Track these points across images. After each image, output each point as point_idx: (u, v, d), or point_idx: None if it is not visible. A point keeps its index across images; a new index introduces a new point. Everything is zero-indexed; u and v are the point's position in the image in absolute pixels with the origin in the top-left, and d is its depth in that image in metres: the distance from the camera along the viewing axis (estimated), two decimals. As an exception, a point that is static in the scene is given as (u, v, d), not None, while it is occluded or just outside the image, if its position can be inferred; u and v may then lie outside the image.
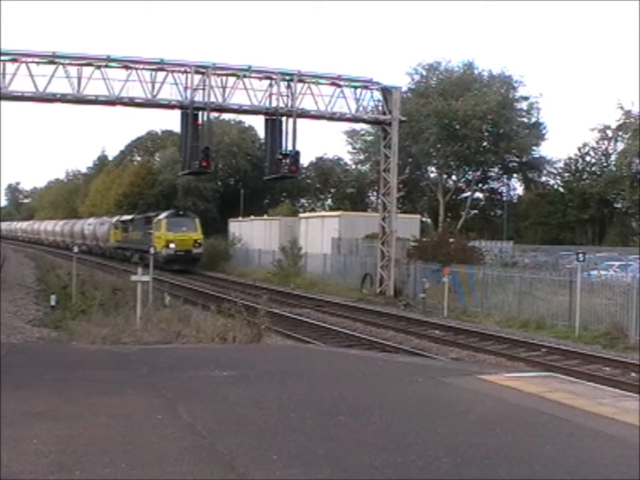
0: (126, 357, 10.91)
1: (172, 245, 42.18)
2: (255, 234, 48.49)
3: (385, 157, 29.77)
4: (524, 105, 57.81)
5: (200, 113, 27.09)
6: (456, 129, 54.17)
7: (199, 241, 43.89)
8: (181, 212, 46.53)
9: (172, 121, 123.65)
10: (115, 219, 55.82)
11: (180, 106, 27.03)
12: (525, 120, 57.81)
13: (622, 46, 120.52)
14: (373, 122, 34.32)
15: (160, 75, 26.63)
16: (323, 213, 52.12)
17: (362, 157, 67.88)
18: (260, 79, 27.91)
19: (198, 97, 26.83)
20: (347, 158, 73.13)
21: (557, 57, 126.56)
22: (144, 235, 45.84)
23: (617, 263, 31.61)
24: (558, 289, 21.04)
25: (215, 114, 39.36)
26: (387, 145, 29.58)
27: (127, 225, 51.83)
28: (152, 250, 26.94)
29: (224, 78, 27.58)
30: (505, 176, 62.42)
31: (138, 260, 41.83)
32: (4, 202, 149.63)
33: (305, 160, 68.20)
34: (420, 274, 27.16)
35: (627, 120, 55.63)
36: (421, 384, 8.60)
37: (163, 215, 45.38)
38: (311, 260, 37.37)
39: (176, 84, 26.92)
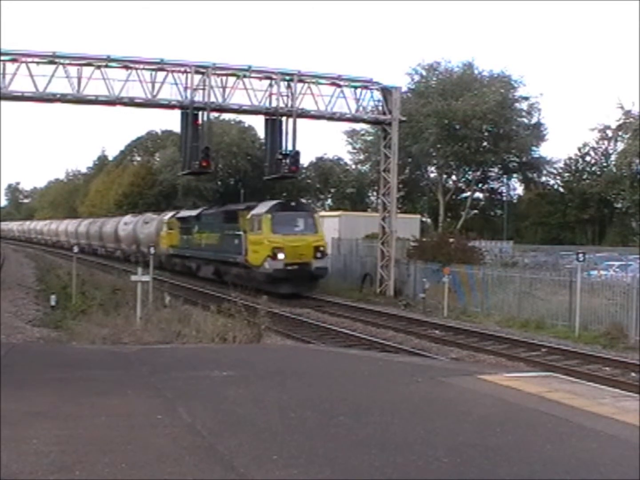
0: (126, 357, 10.92)
1: (280, 256, 26.57)
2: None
3: (385, 157, 29.76)
4: (524, 105, 57.82)
5: (200, 113, 27.09)
6: (456, 129, 54.17)
7: (321, 248, 27.88)
8: (293, 203, 30.63)
9: (172, 121, 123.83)
10: (168, 215, 42.38)
11: (180, 106, 27.03)
12: (525, 120, 57.80)
13: (622, 46, 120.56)
14: (373, 122, 34.31)
15: (160, 75, 26.63)
16: (323, 213, 52.09)
17: (362, 157, 67.90)
18: (260, 79, 27.91)
19: (198, 97, 26.82)
20: (347, 158, 73.25)
21: (557, 57, 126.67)
22: (226, 238, 31.00)
23: (617, 263, 31.60)
24: (558, 289, 21.03)
25: (215, 114, 39.36)
26: (387, 145, 29.58)
27: (190, 224, 37.17)
28: (151, 249, 26.49)
29: (224, 78, 27.58)
30: (505, 176, 62.42)
31: (216, 277, 32.27)
32: (4, 202, 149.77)
33: (305, 160, 68.34)
34: (420, 274, 27.16)
35: (627, 120, 55.63)
36: (421, 384, 8.59)
37: (262, 207, 29.16)
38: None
39: (176, 84, 26.92)
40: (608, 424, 6.52)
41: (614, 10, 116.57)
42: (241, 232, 29.17)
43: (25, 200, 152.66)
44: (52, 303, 22.13)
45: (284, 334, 18.26)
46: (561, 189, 63.87)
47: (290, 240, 27.11)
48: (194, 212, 38.32)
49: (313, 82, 28.46)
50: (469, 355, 16.05)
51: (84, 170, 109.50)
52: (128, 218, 51.39)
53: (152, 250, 26.19)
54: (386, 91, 29.39)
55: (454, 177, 62.03)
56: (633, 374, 13.71)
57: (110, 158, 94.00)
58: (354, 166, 72.43)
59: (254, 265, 27.60)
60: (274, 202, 30.79)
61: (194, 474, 4.85)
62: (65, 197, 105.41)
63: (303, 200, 37.10)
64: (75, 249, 29.22)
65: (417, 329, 20.00)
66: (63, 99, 25.99)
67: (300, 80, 28.16)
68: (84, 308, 20.68)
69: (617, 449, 5.76)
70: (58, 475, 4.76)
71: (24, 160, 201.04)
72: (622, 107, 56.02)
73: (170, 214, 42.31)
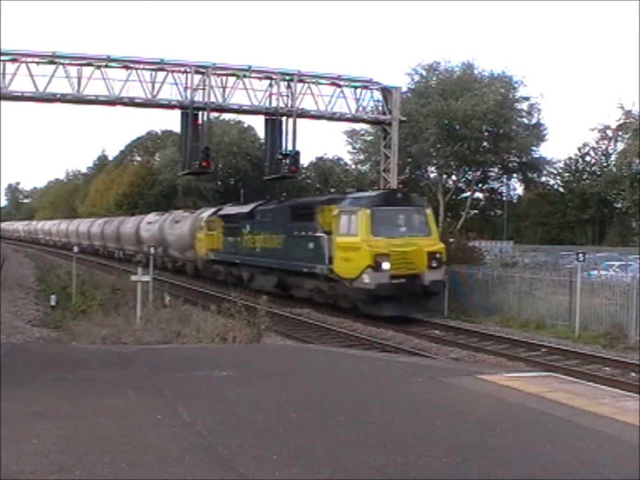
0: (126, 357, 10.91)
1: (385, 266, 20.11)
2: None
3: (385, 157, 29.76)
4: (524, 105, 57.79)
5: (200, 113, 27.09)
6: (456, 129, 54.14)
7: (438, 255, 21.15)
8: (399, 195, 22.77)
9: (172, 121, 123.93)
10: (207, 212, 34.93)
11: (180, 106, 27.03)
12: (525, 120, 57.79)
13: (622, 46, 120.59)
14: (373, 122, 34.28)
15: (160, 75, 26.63)
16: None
17: (362, 157, 67.87)
18: (260, 79, 27.91)
19: (198, 97, 26.81)
20: (347, 158, 73.25)
21: (557, 57, 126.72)
22: (297, 241, 24.10)
23: (617, 263, 31.61)
24: (558, 289, 21.02)
25: (215, 114, 39.36)
26: (387, 145, 29.57)
27: (240, 223, 29.74)
28: (151, 249, 26.42)
29: (224, 78, 27.58)
30: (505, 176, 62.43)
31: (279, 290, 25.71)
32: (4, 202, 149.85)
33: (305, 160, 68.43)
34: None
35: (627, 120, 55.64)
36: (421, 384, 8.59)
37: (356, 199, 22.43)
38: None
39: (176, 84, 26.93)
40: (608, 424, 6.52)
41: (614, 10, 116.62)
42: (321, 234, 22.24)
43: (25, 200, 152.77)
44: (52, 303, 22.18)
45: (284, 334, 18.26)
46: (561, 189, 63.90)
47: (397, 245, 20.42)
48: (244, 208, 30.83)
49: (313, 82, 28.46)
50: (469, 355, 16.04)
51: (84, 170, 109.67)
52: (152, 217, 45.25)
53: (152, 250, 26.20)
54: (386, 91, 29.39)
55: (454, 177, 62.01)
56: (633, 374, 13.71)
57: (110, 158, 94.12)
58: (354, 166, 72.45)
59: (345, 277, 20.84)
60: (373, 193, 24.08)
61: (194, 474, 4.85)
62: (65, 197, 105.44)
63: (410, 193, 25.57)
64: (75, 249, 29.24)
65: (417, 329, 19.98)
66: (63, 99, 25.99)
67: (300, 80, 28.16)
68: (84, 308, 20.72)
69: (617, 449, 5.76)
70: (58, 475, 4.76)
71: (24, 160, 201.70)
72: (622, 107, 56.08)
73: (209, 210, 35.18)
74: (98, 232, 56.42)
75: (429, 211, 22.31)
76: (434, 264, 20.86)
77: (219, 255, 31.48)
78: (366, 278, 20.17)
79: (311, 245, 22.96)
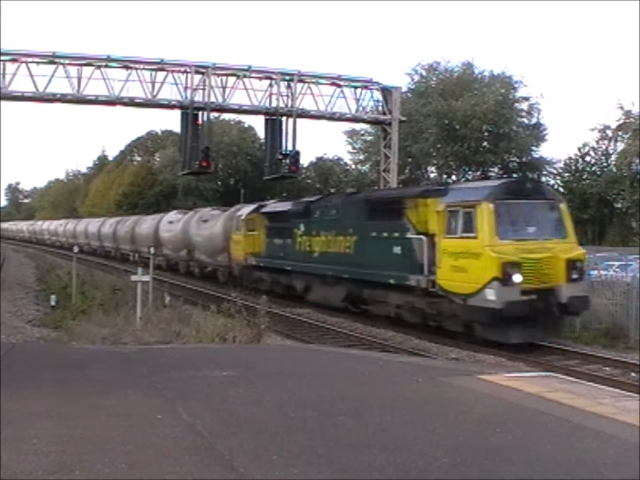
0: (126, 357, 10.91)
1: (516, 278, 15.28)
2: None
3: (385, 157, 29.78)
4: (524, 105, 57.83)
5: (200, 113, 27.13)
6: (456, 129, 54.16)
7: (578, 264, 16.55)
8: (528, 184, 18.63)
9: (172, 121, 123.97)
10: (245, 209, 29.61)
11: (180, 106, 27.07)
12: (525, 120, 57.81)
13: (622, 46, 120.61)
14: (373, 122, 34.34)
15: (160, 75, 26.71)
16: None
17: (362, 157, 67.90)
18: (260, 79, 27.97)
19: (198, 97, 26.87)
20: (347, 158, 73.21)
21: (557, 57, 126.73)
22: (378, 244, 19.25)
23: (617, 263, 31.55)
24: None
25: (215, 114, 39.37)
26: (387, 145, 29.59)
27: (291, 222, 24.66)
28: (151, 249, 26.31)
29: (224, 78, 27.64)
30: (505, 176, 62.40)
31: (350, 304, 21.40)
32: (4, 202, 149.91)
33: (305, 160, 68.37)
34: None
35: (627, 120, 55.58)
36: (421, 384, 8.59)
37: (468, 190, 17.68)
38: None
39: (176, 84, 27.01)
40: (608, 424, 6.52)
41: (614, 10, 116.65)
42: (414, 235, 17.55)
43: (25, 200, 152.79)
44: (52, 303, 22.18)
45: (284, 334, 18.25)
46: (561, 189, 63.82)
47: (529, 250, 15.72)
48: (297, 204, 25.67)
49: (313, 82, 28.50)
50: (468, 355, 16.02)
51: (84, 170, 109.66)
52: (173, 215, 40.52)
53: (151, 250, 26.17)
54: (386, 91, 29.42)
55: (454, 177, 62.04)
56: (633, 374, 13.69)
57: (110, 158, 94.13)
58: (354, 166, 72.43)
59: (455, 293, 16.21)
60: (494, 182, 20.33)
61: (194, 474, 4.85)
62: (65, 197, 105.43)
63: (540, 182, 21.41)
64: (76, 249, 29.18)
65: (417, 328, 19.94)
66: (63, 99, 26.04)
67: (300, 80, 28.20)
68: (83, 308, 20.72)
69: (617, 449, 5.76)
70: (58, 475, 4.76)
71: (24, 160, 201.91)
72: (622, 107, 55.99)
73: (247, 207, 30.05)
74: (110, 232, 52.00)
75: (563, 206, 17.14)
76: (574, 276, 16.09)
77: (263, 260, 26.67)
78: (491, 294, 15.34)
79: (398, 249, 18.24)
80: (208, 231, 32.90)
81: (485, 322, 15.90)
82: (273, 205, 28.33)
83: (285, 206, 26.76)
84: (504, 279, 15.19)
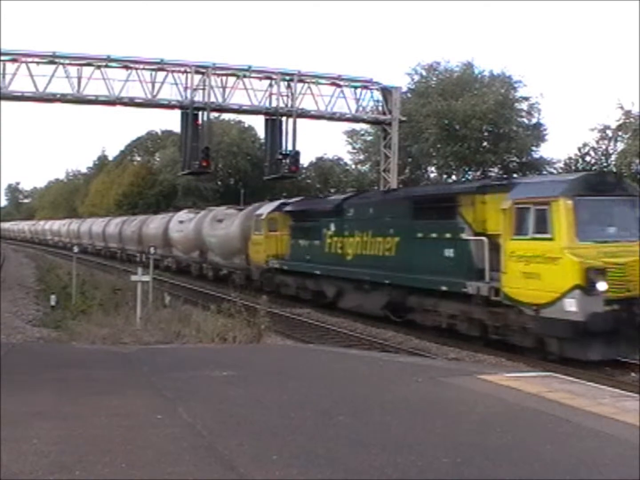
0: (126, 357, 10.92)
1: (600, 286, 12.94)
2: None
3: (385, 157, 29.80)
4: (524, 105, 57.81)
5: (200, 113, 27.14)
6: (456, 129, 54.16)
7: None
8: (611, 179, 15.60)
9: (172, 121, 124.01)
10: (266, 208, 27.54)
11: (180, 106, 27.08)
12: (525, 120, 57.82)
13: (622, 46, 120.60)
14: (373, 122, 34.35)
15: (160, 75, 26.73)
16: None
17: (362, 157, 67.90)
18: (260, 79, 27.99)
19: (198, 97, 26.87)
20: (347, 158, 73.19)
21: (557, 57, 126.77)
22: (427, 245, 17.35)
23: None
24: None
25: (215, 114, 39.37)
26: (387, 145, 29.61)
27: (320, 221, 22.66)
28: (152, 249, 26.22)
29: (224, 78, 27.66)
30: (505, 176, 62.37)
31: (389, 312, 19.23)
32: (4, 202, 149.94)
33: (305, 160, 68.35)
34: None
35: (627, 120, 55.56)
36: (421, 384, 8.59)
37: (537, 182, 16.05)
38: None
39: (176, 84, 27.02)
40: (608, 424, 6.52)
41: (614, 10, 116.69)
42: (471, 236, 15.64)
43: (25, 200, 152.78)
44: (52, 303, 22.17)
45: (284, 334, 18.24)
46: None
47: (611, 254, 13.68)
48: (327, 202, 23.87)
49: (313, 82, 28.52)
50: (469, 355, 16.02)
51: (84, 170, 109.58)
52: (184, 215, 38.33)
53: (152, 250, 26.14)
54: (386, 91, 29.43)
55: (454, 177, 62.05)
56: (633, 374, 13.67)
57: (110, 158, 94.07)
58: (354, 166, 72.43)
59: (526, 303, 14.18)
60: (571, 175, 19.01)
61: (194, 474, 4.85)
62: (65, 197, 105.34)
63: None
64: (76, 249, 29.14)
65: (417, 328, 19.95)
66: (63, 99, 26.05)
67: (300, 80, 28.22)
68: (83, 308, 20.72)
69: (617, 449, 5.76)
70: (58, 475, 4.76)
71: (24, 160, 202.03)
72: (622, 107, 55.98)
73: (268, 206, 27.84)
74: (115, 232, 49.99)
75: None
76: None
77: (287, 263, 24.64)
78: (571, 304, 13.34)
79: (451, 251, 16.36)
80: (223, 231, 31.14)
81: (564, 337, 13.70)
82: (298, 204, 26.15)
83: (313, 204, 25.16)
84: (587, 287, 13.11)
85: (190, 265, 35.79)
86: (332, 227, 21.93)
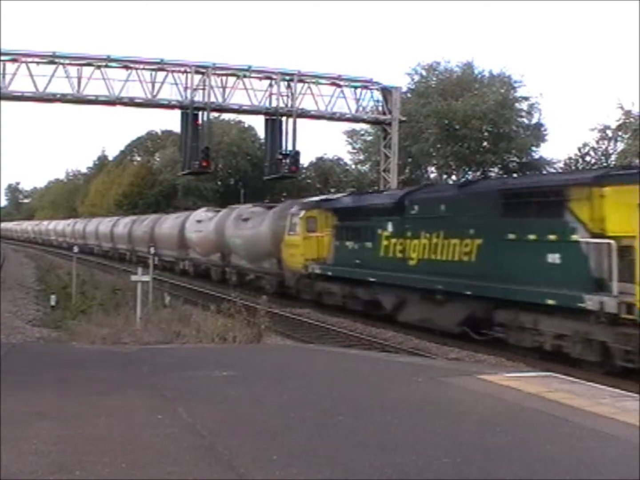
0: (126, 357, 10.91)
1: None
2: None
3: (385, 157, 29.81)
4: (524, 105, 57.81)
5: (200, 113, 27.16)
6: (456, 129, 54.16)
7: None
8: None
9: (172, 121, 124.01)
10: (304, 204, 24.72)
11: (180, 106, 27.10)
12: (525, 120, 57.82)
13: (622, 46, 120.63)
14: (373, 122, 34.36)
15: (160, 75, 26.75)
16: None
17: (362, 157, 67.89)
18: (260, 79, 28.02)
19: (198, 97, 26.88)
20: (347, 158, 73.19)
21: (557, 57, 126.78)
22: (523, 250, 13.96)
23: None
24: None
25: (215, 114, 39.37)
26: (387, 145, 29.61)
27: (373, 220, 19.71)
28: (151, 249, 26.15)
29: (224, 78, 27.69)
30: (505, 176, 62.36)
31: (468, 328, 16.06)
32: (4, 202, 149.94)
33: (305, 160, 68.34)
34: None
35: (627, 120, 55.58)
36: (421, 384, 8.59)
37: None
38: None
39: (176, 84, 27.05)
40: (608, 424, 6.52)
41: (614, 10, 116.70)
42: (590, 238, 12.50)
43: (25, 200, 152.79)
44: (52, 303, 22.18)
45: (284, 334, 18.25)
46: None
47: None
48: (384, 197, 21.14)
49: (313, 82, 28.54)
50: (469, 355, 16.02)
51: (84, 170, 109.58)
52: (202, 214, 34.80)
53: (152, 250, 26.13)
54: (386, 91, 29.45)
55: (454, 177, 62.03)
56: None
57: (110, 158, 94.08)
58: (353, 166, 72.42)
59: None
60: None
61: (194, 474, 4.85)
62: (65, 197, 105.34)
63: None
64: (76, 249, 29.15)
65: (416, 328, 19.93)
66: (63, 99, 26.07)
67: (300, 80, 28.23)
68: (83, 308, 20.73)
69: (617, 449, 5.76)
70: (58, 475, 4.76)
71: (24, 160, 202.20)
72: (622, 107, 55.99)
73: (305, 203, 24.90)
74: (124, 233, 46.63)
75: None
76: None
77: (331, 268, 21.56)
78: None
79: (557, 257, 13.23)
80: (250, 232, 27.70)
81: None
82: (345, 199, 22.97)
83: (364, 200, 21.56)
84: None
85: (210, 269, 32.91)
86: (390, 227, 18.94)
